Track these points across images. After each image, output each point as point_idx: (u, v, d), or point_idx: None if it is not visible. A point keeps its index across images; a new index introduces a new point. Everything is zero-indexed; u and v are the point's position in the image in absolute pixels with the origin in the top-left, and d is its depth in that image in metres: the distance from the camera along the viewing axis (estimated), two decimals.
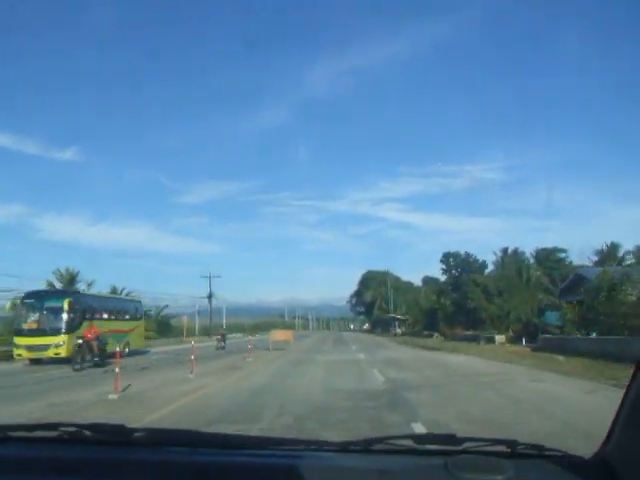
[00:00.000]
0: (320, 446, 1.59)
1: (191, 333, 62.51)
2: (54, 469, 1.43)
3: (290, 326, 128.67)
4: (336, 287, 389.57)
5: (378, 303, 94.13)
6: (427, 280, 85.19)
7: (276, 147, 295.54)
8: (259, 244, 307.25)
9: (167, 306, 58.01)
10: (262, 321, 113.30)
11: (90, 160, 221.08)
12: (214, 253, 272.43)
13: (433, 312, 53.24)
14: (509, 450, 1.49)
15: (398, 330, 64.80)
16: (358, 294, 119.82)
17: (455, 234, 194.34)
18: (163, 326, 56.13)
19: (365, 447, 1.53)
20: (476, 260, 69.48)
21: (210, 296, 66.50)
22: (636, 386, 1.31)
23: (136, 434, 1.59)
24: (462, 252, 72.82)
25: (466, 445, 1.48)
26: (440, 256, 73.85)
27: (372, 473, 1.36)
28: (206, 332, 64.76)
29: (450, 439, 1.48)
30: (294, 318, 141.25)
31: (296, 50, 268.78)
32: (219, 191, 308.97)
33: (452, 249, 72.05)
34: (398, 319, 69.61)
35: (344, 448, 1.54)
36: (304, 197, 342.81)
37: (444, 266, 72.05)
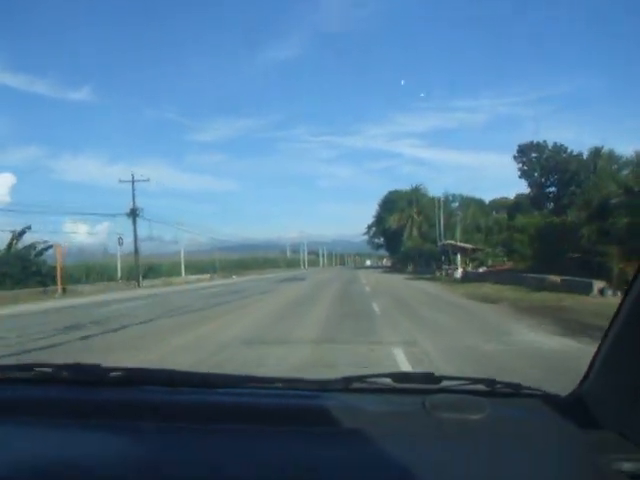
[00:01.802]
0: (299, 385, 1.57)
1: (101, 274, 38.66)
2: (29, 410, 1.40)
3: (292, 263, 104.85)
4: (352, 223, 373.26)
5: (408, 231, 69.21)
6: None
7: (291, 82, 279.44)
8: (275, 180, 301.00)
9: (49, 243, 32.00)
10: (258, 257, 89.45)
11: (104, 99, 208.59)
12: (231, 190, 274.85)
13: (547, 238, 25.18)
14: (487, 389, 1.49)
15: (459, 270, 34.63)
16: (378, 222, 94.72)
17: (473, 170, 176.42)
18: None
19: (344, 386, 1.52)
20: (573, 155, 43.98)
21: (134, 213, 40.75)
22: (615, 327, 1.35)
23: (112, 374, 1.56)
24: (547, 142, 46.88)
25: (444, 384, 1.47)
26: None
27: (350, 412, 1.36)
28: (129, 275, 40.60)
29: (428, 378, 1.49)
30: (298, 253, 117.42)
31: None
32: (235, 128, 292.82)
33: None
34: (463, 249, 36.51)
35: (323, 387, 1.54)
36: (320, 133, 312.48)
37: (523, 166, 46.26)
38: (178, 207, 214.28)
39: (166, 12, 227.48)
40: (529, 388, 1.52)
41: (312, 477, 1.13)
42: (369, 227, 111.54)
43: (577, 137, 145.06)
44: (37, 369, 1.60)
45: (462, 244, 33.45)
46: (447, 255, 36.54)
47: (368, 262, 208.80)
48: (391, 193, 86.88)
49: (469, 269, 35.10)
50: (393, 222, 71.58)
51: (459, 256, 31.84)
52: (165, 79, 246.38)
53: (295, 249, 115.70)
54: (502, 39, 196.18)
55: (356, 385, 1.52)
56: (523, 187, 49.03)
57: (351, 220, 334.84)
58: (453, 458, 1.20)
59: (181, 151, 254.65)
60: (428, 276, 40.42)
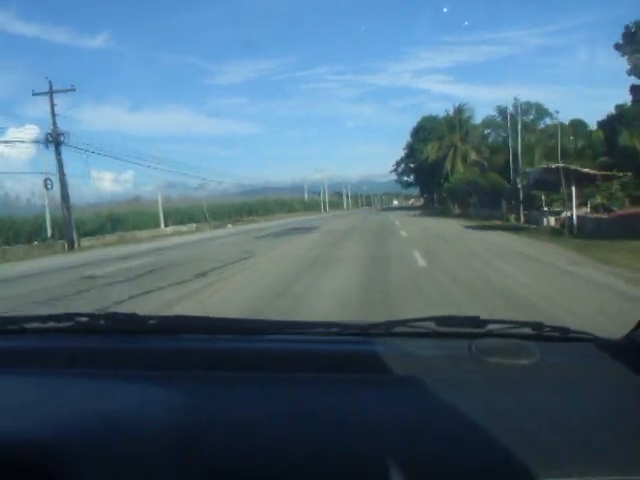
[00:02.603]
0: (341, 329, 1.51)
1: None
2: (68, 360, 1.40)
3: (311, 206, 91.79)
4: (378, 163, 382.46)
5: (449, 161, 54.93)
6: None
7: (312, 21, 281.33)
8: (298, 122, 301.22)
9: None
10: (269, 200, 76.72)
11: (122, 46, 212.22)
12: (253, 133, 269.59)
13: None
14: (535, 332, 1.43)
15: (569, 214, 19.27)
16: (409, 155, 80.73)
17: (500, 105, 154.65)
18: None
19: (386, 330, 1.48)
20: None
21: (56, 139, 26.58)
22: None
23: (150, 322, 1.54)
24: None
25: (490, 327, 1.42)
26: None
27: (393, 357, 1.33)
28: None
29: (473, 321, 1.43)
30: (318, 195, 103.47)
31: None
32: (255, 70, 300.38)
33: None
34: (583, 177, 19.27)
35: (365, 331, 1.50)
36: (342, 71, 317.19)
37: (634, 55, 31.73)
38: (201, 152, 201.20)
39: None
40: (579, 332, 1.44)
41: (361, 425, 1.09)
42: (397, 163, 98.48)
43: None
44: (75, 319, 1.58)
45: (580, 169, 19.54)
46: (547, 188, 22.55)
47: (395, 202, 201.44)
48: (425, 120, 72.29)
49: (587, 212, 21.72)
50: (431, 152, 57.42)
51: (574, 190, 18.26)
52: (183, 23, 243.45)
53: (315, 190, 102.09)
54: None
55: (399, 329, 1.48)
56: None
57: (377, 160, 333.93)
58: (503, 404, 1.16)
59: (202, 95, 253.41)
60: (497, 222, 27.16)
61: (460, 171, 52.29)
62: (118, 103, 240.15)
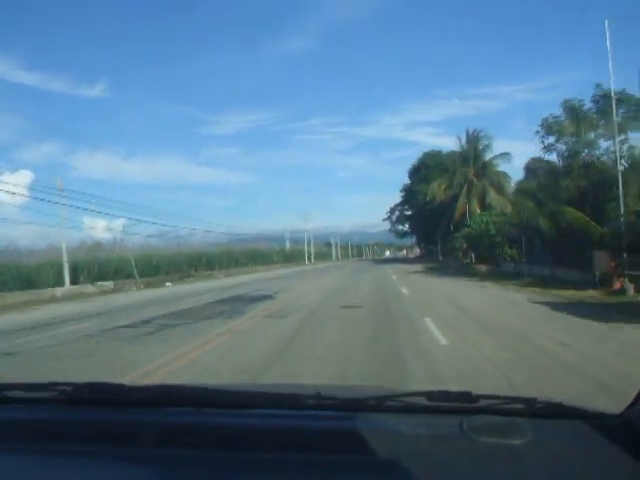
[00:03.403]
0: (333, 403, 1.46)
1: None
2: (51, 432, 1.37)
3: (293, 257, 79.48)
4: (369, 214, 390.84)
5: (462, 201, 42.40)
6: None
7: (304, 74, 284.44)
8: (291, 172, 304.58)
9: None
10: (249, 250, 64.18)
11: (119, 95, 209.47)
12: (247, 183, 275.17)
13: None
14: (528, 409, 1.40)
15: None
16: (406, 199, 69.49)
17: None
18: None
19: (376, 405, 1.44)
20: None
21: None
22: None
23: (136, 393, 1.53)
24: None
25: (482, 403, 1.40)
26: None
27: (382, 435, 1.30)
28: None
29: (465, 397, 1.40)
30: (302, 244, 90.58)
31: None
32: (249, 120, 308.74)
33: None
34: None
35: (354, 406, 1.46)
36: (335, 123, 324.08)
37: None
38: (194, 201, 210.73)
39: (179, 6, 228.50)
40: (572, 408, 1.43)
41: None
42: (391, 210, 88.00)
43: None
44: (58, 387, 1.53)
45: None
46: None
47: (387, 253, 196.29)
48: (428, 155, 60.98)
49: None
50: (438, 191, 45.22)
51: None
52: (180, 73, 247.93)
53: (298, 240, 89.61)
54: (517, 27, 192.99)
55: (389, 404, 1.44)
56: None
57: (369, 210, 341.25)
58: None
59: (197, 144, 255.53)
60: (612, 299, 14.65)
61: (477, 213, 40.27)
62: (113, 150, 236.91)
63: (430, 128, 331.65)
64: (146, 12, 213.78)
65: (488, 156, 43.88)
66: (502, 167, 43.67)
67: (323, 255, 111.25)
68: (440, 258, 59.52)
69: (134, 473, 1.18)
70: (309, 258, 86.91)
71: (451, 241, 44.73)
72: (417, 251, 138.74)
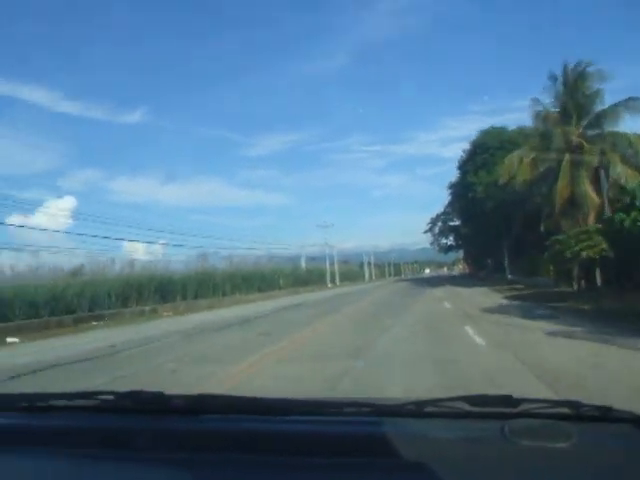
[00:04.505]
0: (373, 410, 1.44)
1: None
2: (93, 439, 1.42)
3: (312, 278, 62.69)
4: (407, 232, 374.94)
5: (562, 184, 24.50)
6: None
7: (338, 93, 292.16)
8: (326, 192, 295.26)
9: None
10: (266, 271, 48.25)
11: (157, 120, 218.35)
12: (283, 204, 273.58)
13: None
14: (572, 412, 1.35)
15: None
16: (455, 199, 52.68)
17: None
18: None
19: (416, 410, 1.42)
20: None
21: None
22: None
23: (174, 401, 1.55)
24: None
25: (524, 407, 1.35)
26: None
27: (422, 440, 1.29)
28: None
29: (506, 400, 1.36)
30: (323, 262, 72.87)
31: None
32: (284, 141, 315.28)
33: None
34: None
35: (394, 412, 1.45)
36: (370, 142, 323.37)
37: None
38: (232, 223, 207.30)
39: (212, 31, 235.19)
40: (619, 411, 1.34)
41: None
42: (433, 221, 72.22)
43: None
44: (100, 396, 1.60)
45: None
46: None
47: (427, 271, 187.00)
48: (488, 134, 43.84)
49: None
50: (520, 168, 27.42)
51: None
52: (215, 97, 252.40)
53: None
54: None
55: (429, 409, 1.42)
56: None
57: (406, 229, 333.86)
58: None
59: (233, 167, 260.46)
60: None
61: (594, 199, 22.92)
62: (152, 175, 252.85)
63: (465, 144, 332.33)
64: (181, 40, 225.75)
65: (603, 106, 26.14)
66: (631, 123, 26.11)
67: (354, 275, 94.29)
68: (509, 276, 41.90)
69: (173, 477, 1.23)
70: (332, 280, 70.00)
71: (534, 250, 27.53)
72: (463, 267, 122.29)
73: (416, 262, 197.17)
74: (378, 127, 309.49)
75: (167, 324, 20.02)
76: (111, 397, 1.57)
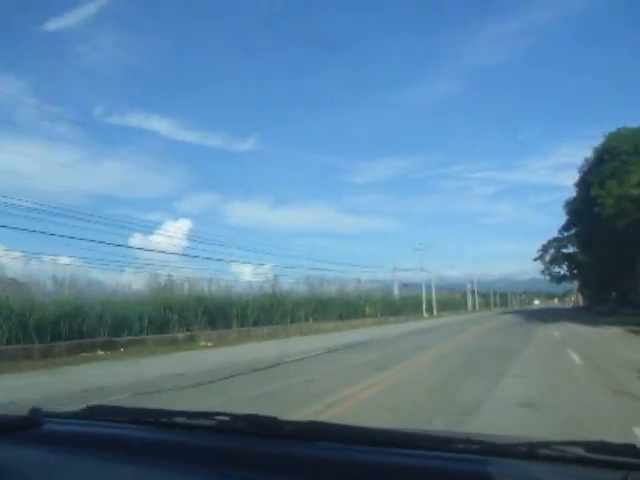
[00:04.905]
0: (478, 446, 1.40)
1: None
2: (210, 457, 1.46)
3: (404, 307, 56.76)
4: (516, 261, 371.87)
5: None
6: None
7: (447, 119, 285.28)
8: (433, 219, 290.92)
9: None
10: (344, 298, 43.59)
11: (268, 148, 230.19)
12: (388, 230, 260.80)
13: None
14: None
15: None
16: (577, 217, 45.20)
17: None
18: None
19: (527, 452, 1.34)
20: None
21: None
22: None
23: (288, 427, 1.57)
24: None
25: None
26: None
27: None
28: None
29: (629, 450, 1.25)
30: (418, 289, 65.99)
31: (465, 14, 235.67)
32: (390, 167, 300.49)
33: None
34: None
35: (504, 451, 1.36)
36: (479, 169, 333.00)
37: None
38: (339, 247, 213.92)
39: (321, 63, 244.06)
40: None
41: None
42: (544, 248, 65.27)
43: None
44: (217, 417, 1.65)
45: None
46: None
47: (537, 302, 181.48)
48: (616, 137, 36.40)
49: None
50: None
51: None
52: (323, 125, 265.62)
53: (410, 284, 66.29)
54: None
55: (542, 452, 1.33)
56: None
57: (514, 258, 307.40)
58: None
59: (339, 193, 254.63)
60: None
61: None
62: (262, 199, 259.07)
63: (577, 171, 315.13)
64: (289, 72, 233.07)
65: None
66: None
67: (455, 304, 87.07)
68: None
69: None
70: (429, 309, 63.33)
71: None
72: (576, 300, 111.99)
73: (525, 292, 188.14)
74: (487, 154, 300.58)
75: (174, 360, 15.46)
76: (227, 418, 1.63)
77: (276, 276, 37.97)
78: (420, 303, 61.67)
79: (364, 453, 1.41)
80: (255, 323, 28.98)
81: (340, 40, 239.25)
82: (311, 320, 35.04)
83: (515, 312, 75.02)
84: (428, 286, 68.30)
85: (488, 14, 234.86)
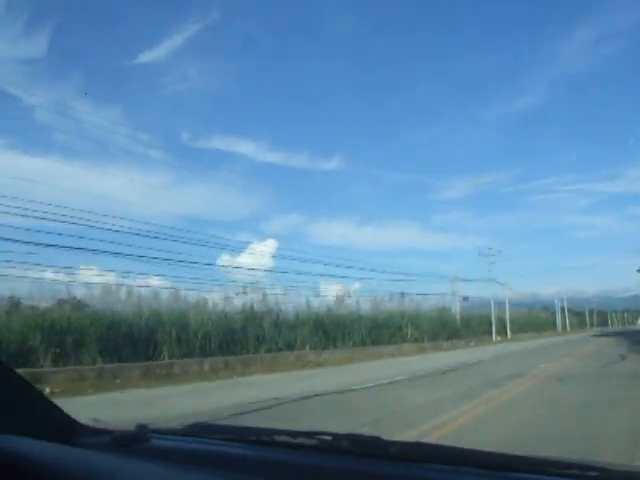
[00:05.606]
0: (596, 473, 1.35)
1: None
2: (311, 477, 1.46)
3: (470, 328, 44.29)
4: (614, 277, 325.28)
5: None
6: None
7: (535, 132, 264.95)
8: (526, 234, 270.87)
9: None
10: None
11: (352, 167, 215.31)
12: (479, 247, 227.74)
13: None
14: None
15: None
16: None
17: None
18: None
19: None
20: None
21: None
22: None
23: (392, 448, 1.53)
24: None
25: None
26: None
27: None
28: None
29: None
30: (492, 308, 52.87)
31: (547, 23, 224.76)
32: (477, 183, 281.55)
33: None
34: None
35: (623, 479, 1.39)
36: (571, 181, 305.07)
37: None
38: (426, 265, 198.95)
39: (402, 82, 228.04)
40: None
41: None
42: None
43: None
44: (319, 436, 1.64)
45: None
46: None
47: None
48: None
49: None
50: None
51: None
52: (406, 143, 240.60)
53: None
54: None
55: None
56: None
57: (613, 273, 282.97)
58: None
59: (426, 210, 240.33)
60: None
61: None
62: (348, 218, 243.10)
63: None
64: (371, 92, 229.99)
65: None
66: None
67: (540, 324, 72.86)
68: None
69: None
70: (502, 331, 50.28)
71: None
72: None
73: (626, 310, 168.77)
74: (580, 165, 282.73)
75: None
76: (329, 438, 1.61)
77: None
78: (489, 324, 48.80)
79: (475, 476, 1.36)
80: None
81: (418, 60, 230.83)
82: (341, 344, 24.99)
83: (618, 334, 59.44)
84: (503, 303, 55.29)
85: (578, 19, 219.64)
